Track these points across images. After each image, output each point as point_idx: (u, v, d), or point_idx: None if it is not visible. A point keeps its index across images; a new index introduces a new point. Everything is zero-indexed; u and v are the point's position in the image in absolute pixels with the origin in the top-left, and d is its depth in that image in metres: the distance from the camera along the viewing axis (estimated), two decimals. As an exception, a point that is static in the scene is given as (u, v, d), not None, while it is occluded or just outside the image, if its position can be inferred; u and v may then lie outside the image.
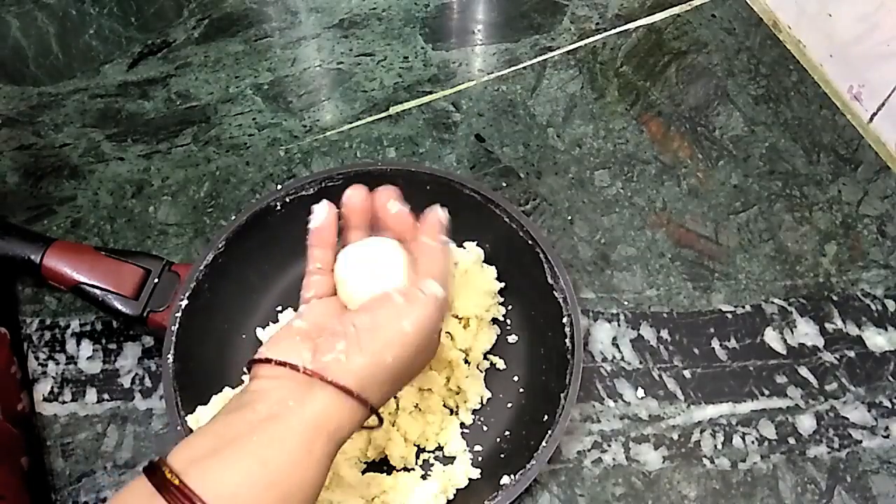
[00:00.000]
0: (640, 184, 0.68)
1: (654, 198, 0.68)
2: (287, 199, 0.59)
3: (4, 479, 0.51)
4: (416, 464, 0.55)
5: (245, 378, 0.55)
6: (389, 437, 0.55)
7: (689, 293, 0.63)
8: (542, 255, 0.57)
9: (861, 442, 0.57)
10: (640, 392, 0.59)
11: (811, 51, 0.75)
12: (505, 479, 0.51)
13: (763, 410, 0.58)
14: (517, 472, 0.51)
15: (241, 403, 0.41)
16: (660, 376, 0.60)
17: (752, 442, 0.57)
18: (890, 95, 0.67)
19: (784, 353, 0.61)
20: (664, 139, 0.71)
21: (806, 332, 0.61)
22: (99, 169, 0.69)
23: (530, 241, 0.57)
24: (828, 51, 0.73)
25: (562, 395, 0.52)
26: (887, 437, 0.57)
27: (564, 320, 0.55)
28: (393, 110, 0.73)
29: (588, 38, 0.77)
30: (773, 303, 0.63)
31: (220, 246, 0.57)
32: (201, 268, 0.56)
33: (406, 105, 0.73)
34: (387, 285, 0.44)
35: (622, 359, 0.60)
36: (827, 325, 0.62)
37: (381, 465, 0.55)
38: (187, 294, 0.55)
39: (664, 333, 0.61)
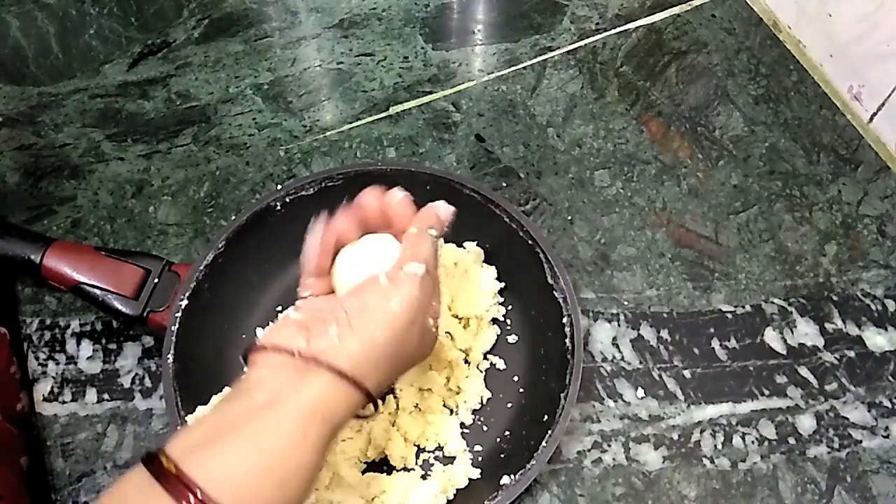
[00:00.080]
0: (640, 184, 0.68)
1: (654, 198, 0.68)
2: (287, 199, 0.59)
3: (4, 479, 0.51)
4: (416, 464, 0.55)
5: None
6: (389, 437, 0.55)
7: (689, 293, 0.63)
8: (542, 255, 0.57)
9: (861, 442, 0.57)
10: (640, 392, 0.59)
11: (811, 51, 0.75)
12: (505, 479, 0.51)
13: (763, 410, 0.58)
14: (517, 472, 0.51)
15: (238, 392, 0.41)
16: (660, 376, 0.60)
17: (752, 442, 0.57)
18: (890, 95, 0.67)
19: (784, 353, 0.61)
20: (664, 139, 0.71)
21: (806, 332, 0.61)
22: (99, 169, 0.69)
23: (530, 241, 0.57)
24: (828, 51, 0.73)
25: (562, 395, 0.52)
26: (887, 437, 0.57)
27: (564, 320, 0.55)
28: (393, 110, 0.73)
29: (588, 38, 0.77)
30: (773, 303, 0.63)
31: (220, 246, 0.57)
32: (201, 268, 0.56)
33: (406, 105, 0.73)
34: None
35: (622, 359, 0.60)
36: (827, 325, 0.62)
37: (381, 465, 0.55)
38: (187, 294, 0.55)
39: (664, 333, 0.61)
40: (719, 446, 0.57)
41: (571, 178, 0.69)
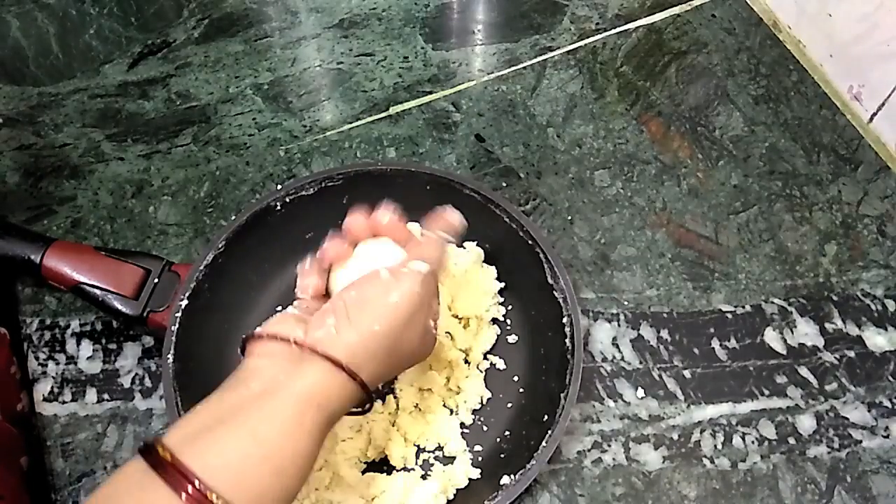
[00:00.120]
0: (640, 184, 0.68)
1: (654, 198, 0.68)
2: (287, 199, 0.59)
3: (4, 479, 0.51)
4: (416, 464, 0.55)
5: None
6: (389, 437, 0.55)
7: (689, 293, 0.63)
8: (542, 255, 0.57)
9: (861, 442, 0.57)
10: (640, 392, 0.59)
11: (811, 51, 0.75)
12: (505, 479, 0.51)
13: (763, 410, 0.58)
14: (517, 472, 0.51)
15: (234, 381, 0.42)
16: (660, 376, 0.60)
17: (752, 442, 0.57)
18: (890, 95, 0.67)
19: (784, 353, 0.61)
20: (664, 139, 0.71)
21: (806, 332, 0.61)
22: (99, 169, 0.69)
23: (530, 241, 0.57)
24: (828, 51, 0.73)
25: (562, 395, 0.52)
26: (887, 437, 0.57)
27: (564, 320, 0.55)
28: (393, 110, 0.73)
29: (588, 38, 0.77)
30: (773, 303, 0.63)
31: (220, 246, 0.57)
32: (201, 268, 0.56)
33: (406, 105, 0.73)
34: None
35: (622, 359, 0.60)
36: (827, 325, 0.62)
37: (381, 465, 0.55)
38: (187, 294, 0.55)
39: (664, 333, 0.61)
40: (719, 446, 0.57)
41: (571, 178, 0.69)
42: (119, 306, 0.56)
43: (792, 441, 0.57)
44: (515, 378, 0.58)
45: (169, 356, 0.53)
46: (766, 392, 0.59)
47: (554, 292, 0.56)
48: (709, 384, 0.59)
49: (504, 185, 0.68)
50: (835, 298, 0.63)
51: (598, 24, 0.78)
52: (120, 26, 0.77)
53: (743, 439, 0.57)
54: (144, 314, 0.56)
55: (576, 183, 0.68)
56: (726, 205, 0.67)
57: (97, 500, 0.37)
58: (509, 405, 0.57)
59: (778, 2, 0.77)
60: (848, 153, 0.70)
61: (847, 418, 0.58)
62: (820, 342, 0.61)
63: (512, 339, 0.60)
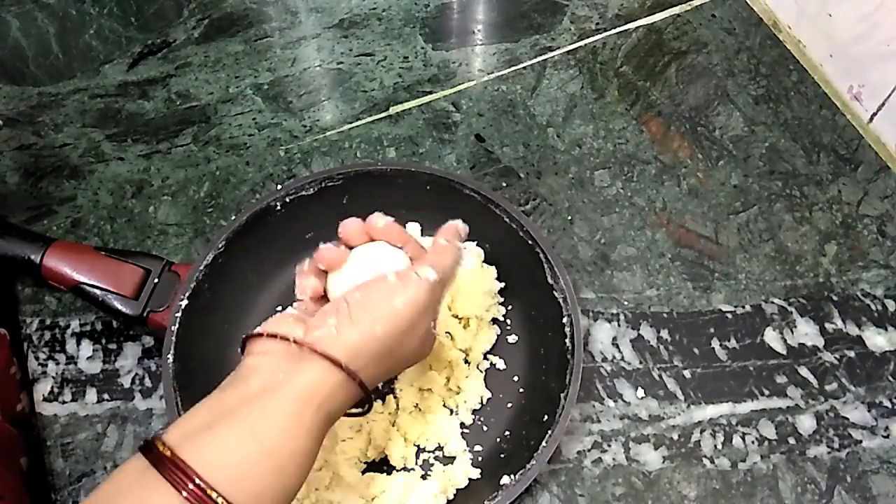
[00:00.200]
0: (640, 184, 0.68)
1: (654, 198, 0.68)
2: (287, 199, 0.59)
3: (4, 479, 0.51)
4: (416, 464, 0.55)
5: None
6: (389, 437, 0.55)
7: (689, 293, 0.63)
8: (542, 255, 0.57)
9: (861, 442, 0.57)
10: (640, 392, 0.59)
11: (811, 51, 0.75)
12: (505, 479, 0.51)
13: (763, 410, 0.58)
14: (517, 472, 0.51)
15: (234, 379, 0.42)
16: (660, 376, 0.60)
17: (752, 442, 0.57)
18: (890, 95, 0.67)
19: (784, 353, 0.61)
20: (664, 139, 0.71)
21: (806, 332, 0.61)
22: (99, 169, 0.69)
23: (530, 241, 0.57)
24: (828, 51, 0.73)
25: (562, 395, 0.52)
26: (887, 437, 0.57)
27: (564, 320, 0.55)
28: (393, 110, 0.73)
29: (588, 38, 0.77)
30: (773, 303, 0.63)
31: (220, 246, 0.57)
32: (201, 268, 0.56)
33: (406, 105, 0.73)
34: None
35: (622, 359, 0.60)
36: (827, 325, 0.62)
37: (381, 465, 0.55)
38: (187, 294, 0.55)
39: (664, 333, 0.61)
40: (719, 446, 0.57)
41: (571, 178, 0.69)
42: (119, 306, 0.56)
43: (792, 441, 0.57)
44: (515, 378, 0.58)
45: (169, 356, 0.53)
46: (766, 392, 0.59)
47: (554, 292, 0.56)
48: (709, 384, 0.59)
49: (504, 185, 0.68)
50: (835, 298, 0.63)
51: (598, 24, 0.78)
52: (120, 26, 0.77)
53: (743, 439, 0.57)
54: (144, 314, 0.56)
55: (576, 183, 0.68)
56: (726, 205, 0.67)
57: (98, 497, 0.37)
58: (509, 405, 0.57)
59: (778, 2, 0.77)
60: (848, 153, 0.70)
61: (847, 418, 0.58)
62: (820, 342, 0.61)
63: (512, 339, 0.60)
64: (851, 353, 0.61)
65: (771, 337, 0.61)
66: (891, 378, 0.60)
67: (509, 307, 0.61)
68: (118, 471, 0.38)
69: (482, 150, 0.70)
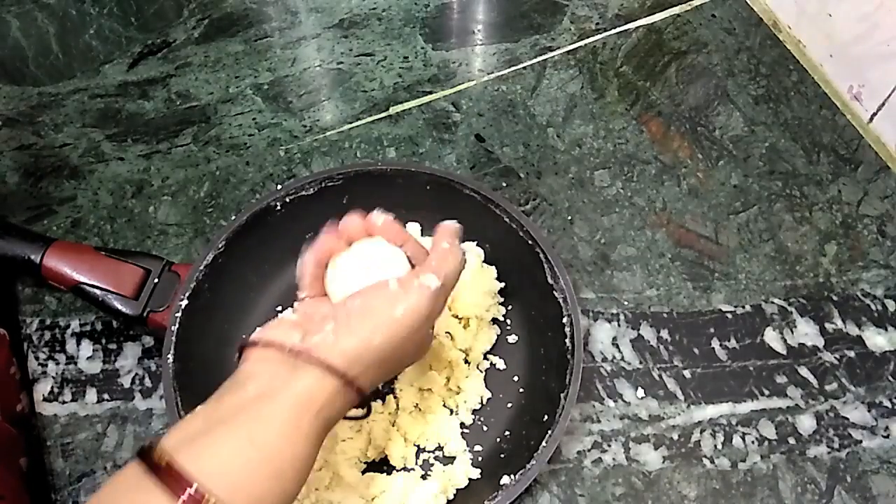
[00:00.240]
0: (640, 184, 0.68)
1: (654, 198, 0.68)
2: (287, 199, 0.59)
3: (4, 479, 0.51)
4: (416, 464, 0.55)
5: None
6: (389, 437, 0.55)
7: (689, 293, 0.63)
8: (542, 255, 0.57)
9: (861, 442, 0.57)
10: (640, 392, 0.59)
11: (811, 51, 0.75)
12: (505, 479, 0.51)
13: (763, 410, 0.58)
14: (517, 472, 0.51)
15: (232, 385, 0.42)
16: (660, 376, 0.60)
17: (752, 442, 0.57)
18: (890, 95, 0.67)
19: (784, 353, 0.61)
20: (664, 139, 0.71)
21: (806, 332, 0.61)
22: (99, 169, 0.69)
23: (530, 241, 0.57)
24: (828, 51, 0.73)
25: (562, 395, 0.52)
26: (887, 437, 0.57)
27: (564, 320, 0.55)
28: (393, 110, 0.73)
29: (588, 38, 0.77)
30: (773, 303, 0.63)
31: (220, 246, 0.57)
32: (201, 268, 0.56)
33: (406, 105, 0.73)
34: (385, 275, 0.45)
35: (622, 359, 0.60)
36: (827, 325, 0.62)
37: (381, 465, 0.55)
38: (187, 294, 0.55)
39: (664, 333, 0.61)
40: (719, 446, 0.57)
41: (571, 178, 0.69)
42: (119, 306, 0.56)
43: (792, 441, 0.57)
44: (515, 378, 0.58)
45: (169, 356, 0.53)
46: (766, 392, 0.59)
47: (554, 292, 0.56)
48: (709, 384, 0.59)
49: (504, 185, 0.68)
50: (835, 298, 0.63)
51: (598, 24, 0.78)
52: (120, 26, 0.77)
53: (743, 439, 0.57)
54: (144, 314, 0.56)
55: (576, 183, 0.68)
56: (726, 205, 0.67)
57: (96, 503, 0.37)
58: (509, 405, 0.57)
59: (778, 2, 0.77)
60: (848, 153, 0.70)
61: (847, 418, 0.58)
62: (820, 342, 0.61)
63: (512, 339, 0.60)
64: (851, 353, 0.61)
65: (771, 337, 0.61)
66: (891, 378, 0.60)
67: (509, 307, 0.61)
68: (116, 476, 0.38)
69: (482, 150, 0.70)
